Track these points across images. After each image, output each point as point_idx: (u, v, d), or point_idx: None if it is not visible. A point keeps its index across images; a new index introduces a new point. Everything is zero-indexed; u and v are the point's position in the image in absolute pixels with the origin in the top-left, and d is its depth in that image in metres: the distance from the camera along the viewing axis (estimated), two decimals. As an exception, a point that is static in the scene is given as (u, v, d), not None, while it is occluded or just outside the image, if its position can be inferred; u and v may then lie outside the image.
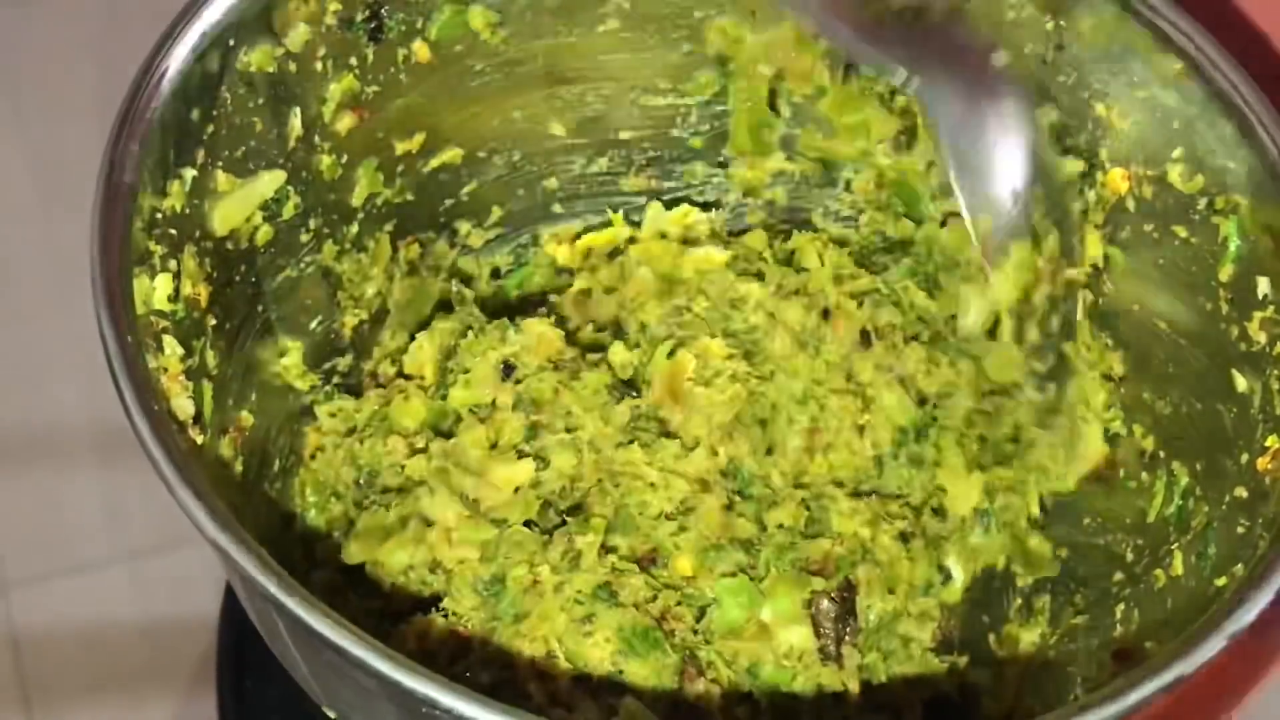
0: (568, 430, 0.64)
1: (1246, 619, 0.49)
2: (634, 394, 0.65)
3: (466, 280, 0.70)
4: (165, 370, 0.53)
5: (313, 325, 0.64)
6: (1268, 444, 0.55)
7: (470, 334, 0.66)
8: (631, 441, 0.64)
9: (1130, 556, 0.60)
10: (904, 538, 0.65)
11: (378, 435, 0.64)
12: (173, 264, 0.55)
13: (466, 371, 0.65)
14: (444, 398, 0.65)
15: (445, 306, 0.69)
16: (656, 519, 0.62)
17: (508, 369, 0.65)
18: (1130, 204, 0.61)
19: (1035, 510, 0.65)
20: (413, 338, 0.68)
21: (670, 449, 0.64)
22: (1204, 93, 0.58)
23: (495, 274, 0.72)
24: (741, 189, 0.71)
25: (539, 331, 0.66)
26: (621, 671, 0.60)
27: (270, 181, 0.60)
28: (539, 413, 0.64)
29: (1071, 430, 0.64)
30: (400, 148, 0.65)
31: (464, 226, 0.69)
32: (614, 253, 0.71)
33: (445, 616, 0.60)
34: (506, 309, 0.69)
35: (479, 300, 0.70)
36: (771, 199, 0.71)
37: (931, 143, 0.65)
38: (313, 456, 0.65)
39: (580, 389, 0.64)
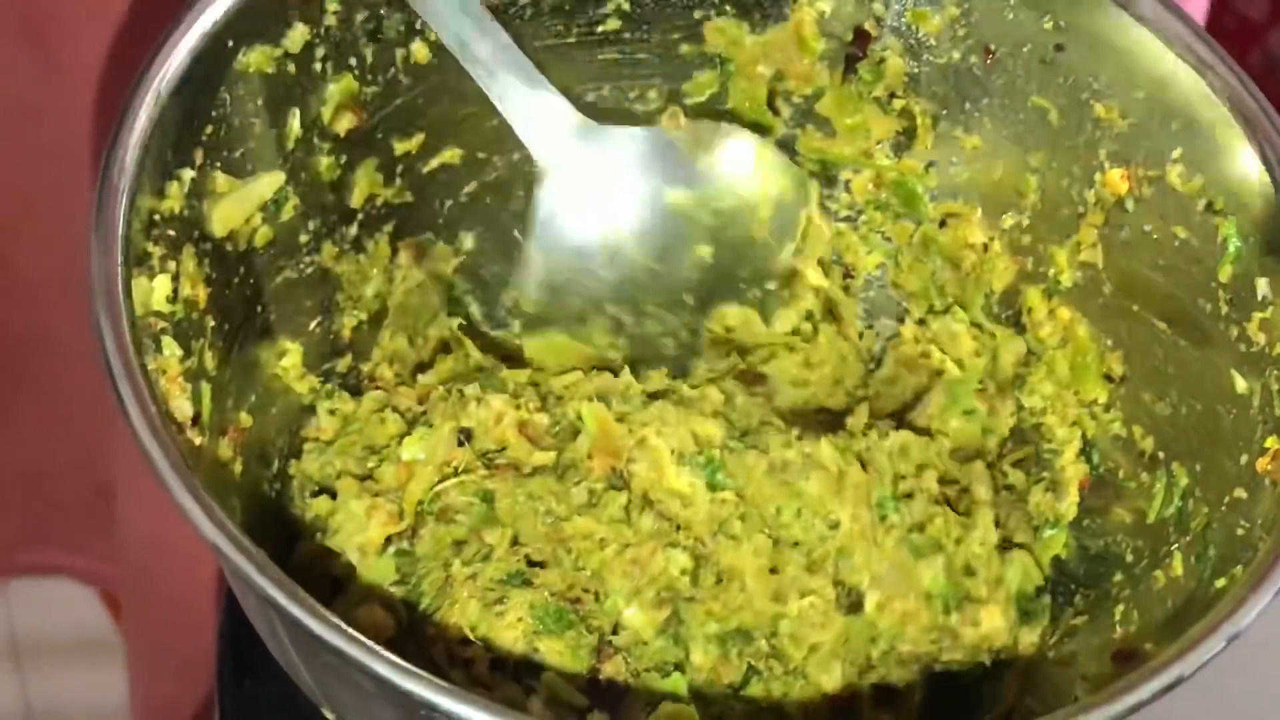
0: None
1: (1246, 620, 0.49)
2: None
3: (465, 315, 0.69)
4: (164, 372, 0.53)
5: (312, 326, 0.64)
6: (1267, 445, 0.55)
7: (453, 394, 0.65)
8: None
9: (1130, 557, 0.60)
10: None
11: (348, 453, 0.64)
12: (171, 265, 0.55)
13: (430, 425, 0.64)
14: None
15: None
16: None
17: (466, 434, 0.64)
18: (1130, 205, 0.61)
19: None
20: (411, 340, 0.68)
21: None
22: (1203, 92, 0.58)
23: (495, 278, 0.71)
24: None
25: (498, 410, 0.64)
26: (537, 650, 0.59)
27: (269, 183, 0.60)
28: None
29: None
30: (399, 148, 0.65)
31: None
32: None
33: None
34: (506, 353, 0.69)
35: (476, 336, 0.69)
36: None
37: None
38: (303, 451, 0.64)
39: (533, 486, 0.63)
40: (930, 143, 0.67)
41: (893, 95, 0.66)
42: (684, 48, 0.67)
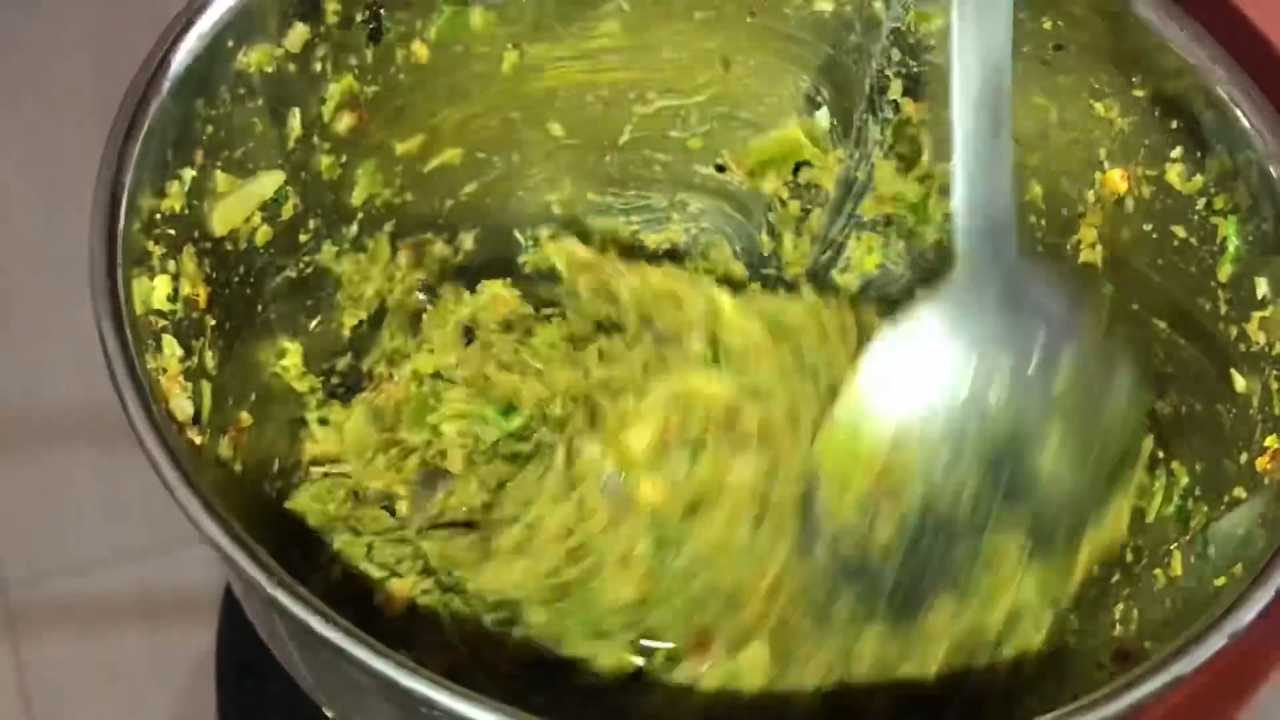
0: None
1: (1246, 619, 0.49)
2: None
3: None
4: (164, 371, 0.53)
5: (312, 326, 0.64)
6: (1267, 444, 0.55)
7: (429, 305, 0.67)
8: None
9: (1129, 557, 0.60)
10: None
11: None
12: (171, 265, 0.55)
13: (429, 343, 0.66)
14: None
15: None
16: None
17: (468, 333, 0.65)
18: (1129, 204, 0.61)
19: None
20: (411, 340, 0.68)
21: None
22: (1204, 92, 0.58)
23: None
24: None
25: (494, 292, 0.67)
26: None
27: (269, 182, 0.60)
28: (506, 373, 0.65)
29: None
30: (400, 148, 0.65)
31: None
32: None
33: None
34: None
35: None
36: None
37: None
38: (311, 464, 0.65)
39: (537, 344, 0.65)
40: (932, 156, 0.67)
41: (896, 106, 0.66)
42: (683, 49, 0.67)
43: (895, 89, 0.66)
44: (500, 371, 0.65)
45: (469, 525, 0.64)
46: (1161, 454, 0.60)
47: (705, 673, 0.61)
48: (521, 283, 0.69)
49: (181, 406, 0.53)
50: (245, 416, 0.60)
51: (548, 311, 0.67)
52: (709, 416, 0.63)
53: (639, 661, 0.63)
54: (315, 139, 0.61)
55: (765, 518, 0.62)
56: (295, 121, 0.60)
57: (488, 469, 0.65)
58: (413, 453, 0.65)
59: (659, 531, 0.62)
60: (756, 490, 0.63)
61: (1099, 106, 0.61)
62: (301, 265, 0.63)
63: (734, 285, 0.70)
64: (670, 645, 0.62)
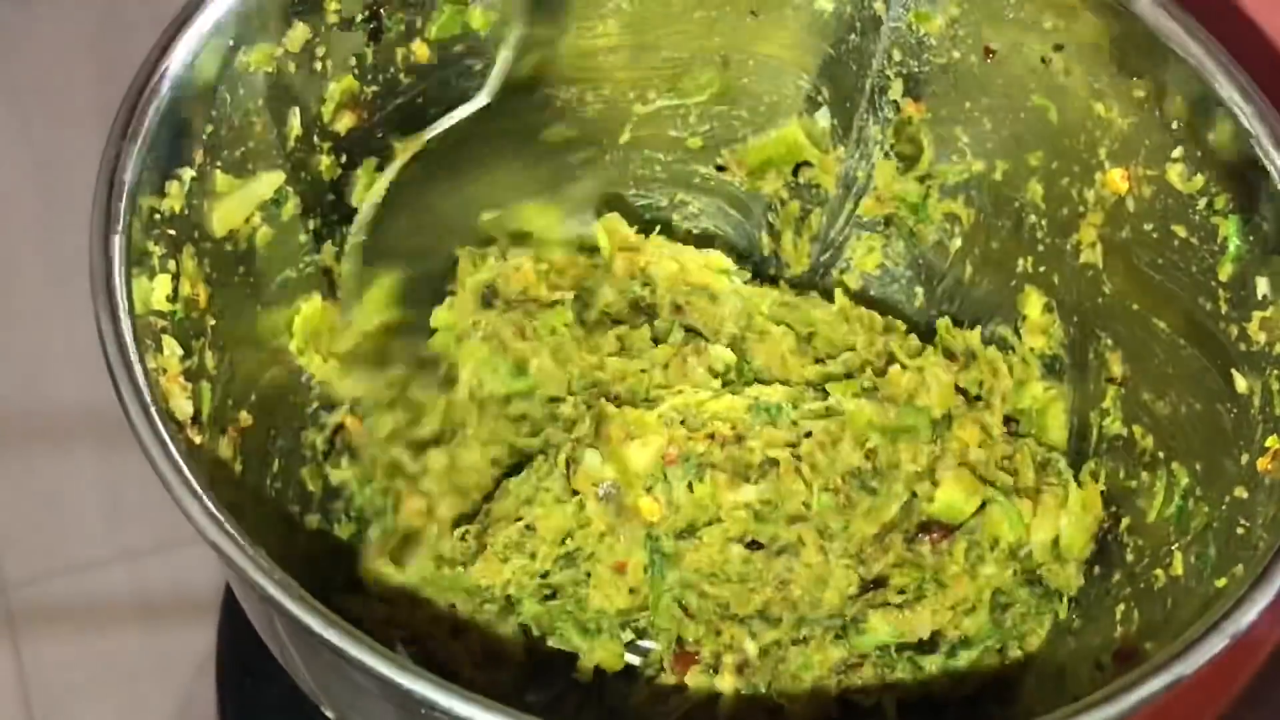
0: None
1: (1246, 619, 0.49)
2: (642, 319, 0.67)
3: None
4: (164, 371, 0.53)
5: (311, 327, 0.64)
6: (1268, 444, 0.55)
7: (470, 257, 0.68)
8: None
9: (1130, 557, 0.60)
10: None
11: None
12: (171, 264, 0.55)
13: (452, 294, 0.67)
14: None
15: None
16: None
17: (488, 298, 0.66)
18: (1130, 204, 0.61)
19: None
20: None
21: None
22: (1204, 92, 0.58)
23: None
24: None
25: (519, 263, 0.67)
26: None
27: (269, 182, 0.60)
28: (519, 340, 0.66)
29: None
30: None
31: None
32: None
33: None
34: None
35: None
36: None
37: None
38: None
39: (539, 327, 0.66)
40: (932, 156, 0.67)
41: (896, 107, 0.66)
42: (684, 48, 0.67)
43: (895, 89, 0.66)
44: (515, 339, 0.66)
45: (470, 518, 0.64)
46: (1162, 454, 0.60)
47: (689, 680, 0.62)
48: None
49: (181, 406, 0.53)
50: (245, 416, 0.60)
51: (555, 298, 0.67)
52: (715, 437, 0.63)
53: (632, 660, 0.63)
54: (315, 139, 0.61)
55: (759, 546, 0.63)
56: (295, 121, 0.60)
57: (496, 424, 0.66)
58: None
59: (654, 547, 0.62)
60: (753, 519, 0.63)
61: (1099, 106, 0.61)
62: (301, 265, 0.62)
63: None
64: (658, 647, 0.63)
